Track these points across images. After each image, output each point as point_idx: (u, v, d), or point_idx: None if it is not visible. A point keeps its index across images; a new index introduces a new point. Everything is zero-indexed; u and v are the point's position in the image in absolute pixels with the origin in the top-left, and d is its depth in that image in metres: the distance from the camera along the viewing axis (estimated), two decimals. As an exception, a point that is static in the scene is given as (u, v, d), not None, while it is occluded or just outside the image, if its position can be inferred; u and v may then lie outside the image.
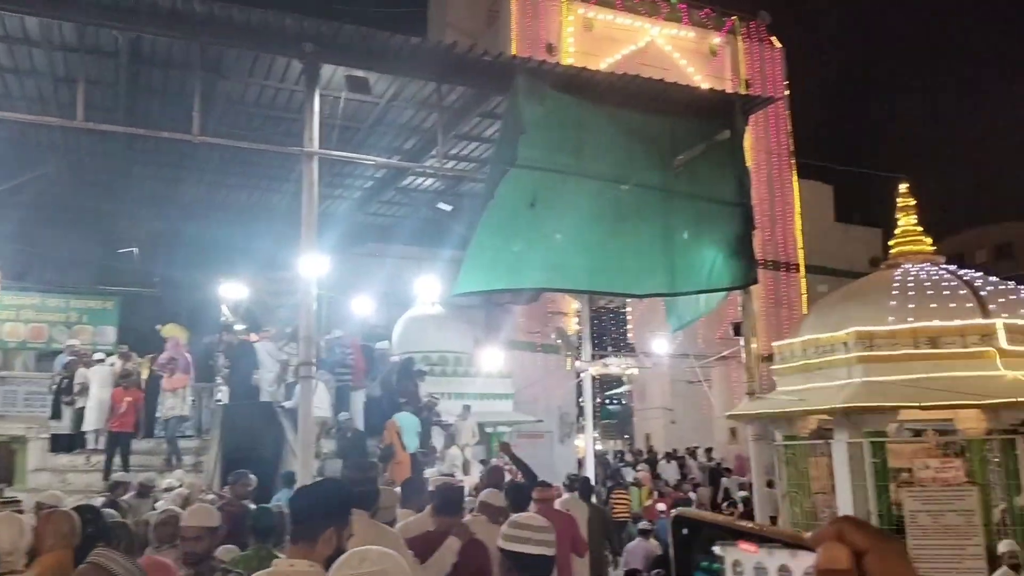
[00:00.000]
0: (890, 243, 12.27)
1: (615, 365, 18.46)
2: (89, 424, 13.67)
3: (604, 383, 28.39)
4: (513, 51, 20.68)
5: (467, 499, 7.12)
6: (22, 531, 4.04)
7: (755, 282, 11.68)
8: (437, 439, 14.30)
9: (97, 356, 14.46)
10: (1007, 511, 9.46)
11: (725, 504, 15.14)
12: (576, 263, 10.57)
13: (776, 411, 11.15)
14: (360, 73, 10.65)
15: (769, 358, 12.97)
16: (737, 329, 11.83)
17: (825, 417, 10.85)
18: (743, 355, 12.34)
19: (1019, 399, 9.34)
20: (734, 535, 0.97)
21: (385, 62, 10.39)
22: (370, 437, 13.53)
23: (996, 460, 9.72)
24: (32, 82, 11.29)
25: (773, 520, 11.66)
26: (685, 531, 1.00)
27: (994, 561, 9.08)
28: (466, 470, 13.74)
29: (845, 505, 10.29)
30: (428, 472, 11.18)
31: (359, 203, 16.45)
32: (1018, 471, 9.42)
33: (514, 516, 3.63)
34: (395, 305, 18.46)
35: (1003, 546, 8.50)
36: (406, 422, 13.36)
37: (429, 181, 15.31)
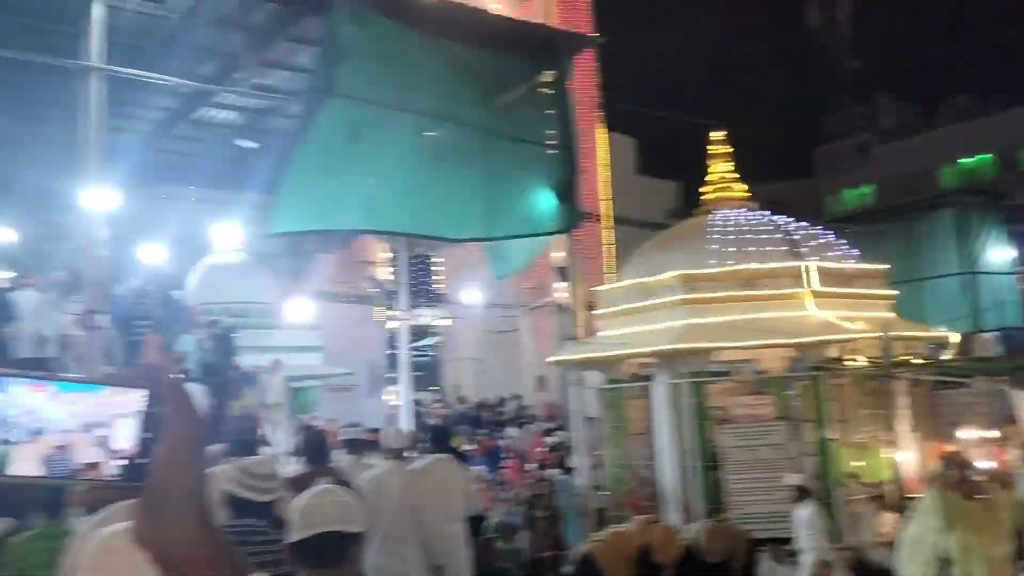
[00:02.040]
0: (703, 189, 12.54)
1: (429, 316, 17.78)
2: None
3: (412, 333, 27.76)
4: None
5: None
6: None
7: (579, 226, 11.56)
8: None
9: None
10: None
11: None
12: (395, 204, 9.86)
13: (603, 355, 11.14)
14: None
15: (586, 306, 12.97)
16: (563, 274, 11.69)
17: (645, 360, 10.96)
18: (562, 301, 12.24)
19: (827, 337, 9.83)
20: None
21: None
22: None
23: (798, 396, 10.14)
24: None
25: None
26: None
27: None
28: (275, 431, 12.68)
29: (663, 445, 10.48)
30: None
31: (147, 138, 14.70)
32: (821, 407, 9.91)
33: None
34: (189, 253, 16.79)
35: (789, 479, 8.70)
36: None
37: (228, 114, 13.89)
